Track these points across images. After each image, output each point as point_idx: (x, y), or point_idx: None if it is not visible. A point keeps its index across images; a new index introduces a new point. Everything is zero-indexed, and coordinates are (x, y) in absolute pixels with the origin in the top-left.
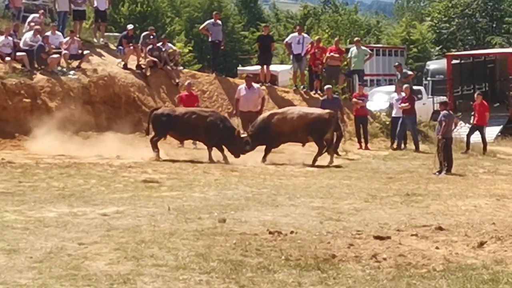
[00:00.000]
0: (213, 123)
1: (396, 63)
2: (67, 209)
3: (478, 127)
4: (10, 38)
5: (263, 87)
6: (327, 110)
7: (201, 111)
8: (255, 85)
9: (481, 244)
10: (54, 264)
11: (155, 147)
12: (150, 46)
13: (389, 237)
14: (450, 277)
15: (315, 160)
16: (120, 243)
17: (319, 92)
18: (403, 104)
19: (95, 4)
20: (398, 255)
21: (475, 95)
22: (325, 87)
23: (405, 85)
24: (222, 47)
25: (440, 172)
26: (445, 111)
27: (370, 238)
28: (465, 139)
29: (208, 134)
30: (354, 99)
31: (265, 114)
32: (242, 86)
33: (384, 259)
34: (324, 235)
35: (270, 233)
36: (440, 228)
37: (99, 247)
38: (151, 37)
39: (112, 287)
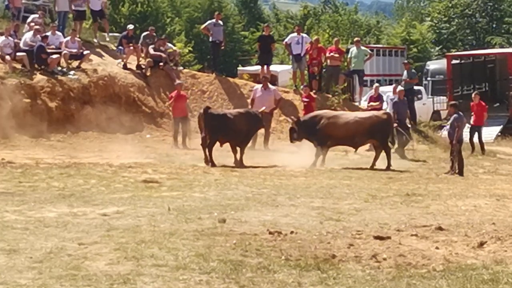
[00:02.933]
0: None
1: (405, 61)
2: (67, 209)
3: (476, 127)
4: (10, 38)
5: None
6: (383, 111)
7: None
8: (272, 87)
9: (481, 244)
10: (54, 264)
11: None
12: (152, 46)
13: (389, 237)
14: (450, 277)
15: (388, 165)
16: (120, 243)
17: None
18: (372, 103)
19: (90, 5)
20: (398, 255)
21: (473, 95)
22: (397, 89)
23: (376, 84)
24: (222, 47)
25: (452, 174)
26: (455, 114)
27: (370, 238)
28: (466, 140)
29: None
30: (370, 103)
31: (318, 112)
32: (258, 87)
33: (384, 259)
34: (324, 235)
35: (270, 233)
36: (440, 228)
37: (99, 247)
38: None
39: (112, 287)
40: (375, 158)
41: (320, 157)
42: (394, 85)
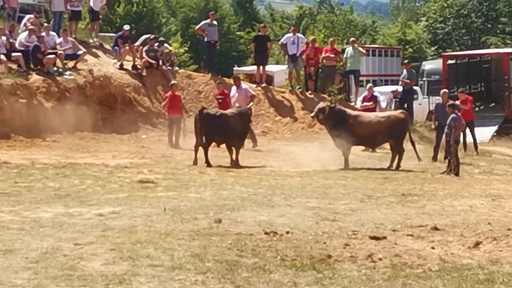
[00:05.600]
0: None
1: (406, 61)
2: (62, 210)
3: (467, 123)
4: (3, 38)
5: (259, 88)
6: (400, 110)
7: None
8: (244, 85)
9: (477, 244)
10: (49, 265)
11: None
12: (147, 47)
13: (384, 237)
14: (446, 277)
15: (398, 165)
16: (116, 244)
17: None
18: (366, 103)
19: (91, 4)
20: (393, 255)
21: (458, 92)
22: (441, 91)
23: (369, 84)
24: (218, 47)
25: (448, 174)
26: (454, 115)
27: (365, 238)
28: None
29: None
30: (364, 104)
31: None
32: (234, 86)
33: (380, 259)
34: (320, 235)
35: (265, 233)
36: (436, 228)
37: (95, 247)
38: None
39: (108, 287)
40: (392, 159)
41: (348, 156)
42: (395, 89)
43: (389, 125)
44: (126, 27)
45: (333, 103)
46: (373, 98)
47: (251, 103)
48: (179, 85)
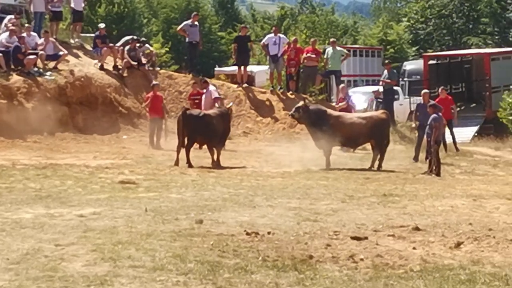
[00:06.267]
0: None
1: (386, 61)
2: (43, 210)
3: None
4: None
5: (240, 88)
6: (382, 111)
7: None
8: (211, 87)
9: (458, 245)
10: (31, 266)
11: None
12: (128, 47)
13: (366, 238)
14: (427, 277)
15: (380, 165)
16: (97, 244)
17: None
18: (340, 104)
19: (72, 4)
20: (375, 255)
21: (439, 89)
22: (422, 92)
23: (341, 85)
24: (200, 48)
25: (430, 174)
26: (435, 115)
27: (347, 239)
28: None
29: None
30: (338, 105)
31: (320, 107)
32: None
33: (361, 259)
34: (301, 235)
35: (247, 234)
36: (417, 229)
37: (76, 248)
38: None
39: None
40: (374, 159)
41: (329, 157)
42: (376, 89)
43: (371, 125)
44: (101, 25)
45: (308, 102)
46: (345, 99)
47: (231, 103)
48: (160, 85)
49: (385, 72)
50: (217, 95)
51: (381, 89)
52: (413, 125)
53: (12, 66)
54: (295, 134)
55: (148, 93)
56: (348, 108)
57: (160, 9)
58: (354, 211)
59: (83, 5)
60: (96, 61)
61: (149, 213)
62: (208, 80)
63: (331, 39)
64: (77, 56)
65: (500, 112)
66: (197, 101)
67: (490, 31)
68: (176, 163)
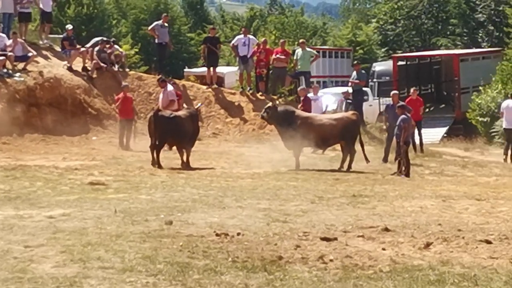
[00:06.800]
0: None
1: (355, 62)
2: (13, 212)
3: (415, 123)
4: None
5: (209, 89)
6: (352, 112)
7: None
8: (169, 88)
9: (427, 245)
10: (0, 267)
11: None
12: (97, 48)
13: (335, 239)
14: (397, 278)
15: (349, 166)
16: (66, 246)
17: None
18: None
19: (41, 5)
20: (344, 256)
21: (411, 90)
22: (392, 93)
23: (300, 88)
24: (171, 49)
25: (399, 175)
26: (403, 116)
27: (316, 240)
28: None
29: None
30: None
31: (289, 108)
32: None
33: (331, 260)
34: (271, 236)
35: (217, 235)
36: (387, 229)
37: (45, 249)
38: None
39: None
40: (343, 160)
41: (298, 158)
42: (346, 90)
43: (341, 126)
44: (69, 26)
45: (277, 103)
46: (306, 101)
47: (199, 104)
48: (129, 86)
49: (354, 73)
50: (173, 98)
51: (350, 90)
52: (383, 127)
53: None
54: (265, 135)
55: (118, 95)
56: (307, 108)
57: (130, 10)
58: (324, 212)
59: (52, 6)
60: (65, 62)
61: (119, 214)
62: (166, 80)
63: (301, 40)
64: (46, 57)
65: (469, 113)
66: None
67: (459, 32)
68: (153, 163)
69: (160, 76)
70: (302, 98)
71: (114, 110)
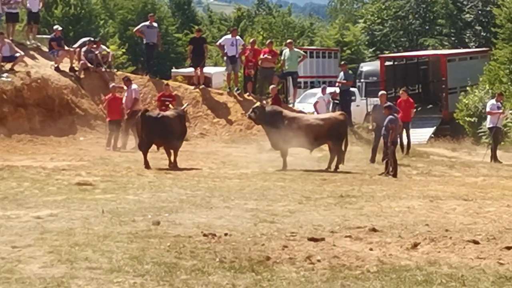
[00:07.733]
0: None
1: (342, 62)
2: (0, 212)
3: (403, 124)
4: None
5: (197, 90)
6: (339, 112)
7: None
8: (133, 86)
9: (415, 245)
10: None
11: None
12: (85, 48)
13: (323, 239)
14: (384, 278)
15: (337, 167)
16: (54, 246)
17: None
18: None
19: (28, 6)
20: (332, 256)
21: (400, 91)
22: (379, 93)
23: (272, 86)
24: (160, 49)
25: (386, 175)
26: (390, 116)
27: (304, 240)
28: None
29: None
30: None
31: (277, 108)
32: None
33: (318, 260)
34: (258, 237)
35: (204, 235)
36: (374, 230)
37: (33, 250)
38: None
39: None
40: (331, 160)
41: (286, 158)
42: (322, 86)
43: (328, 127)
44: (57, 27)
45: (264, 103)
46: (276, 99)
47: (186, 104)
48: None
49: (341, 73)
50: (137, 96)
51: (337, 90)
52: (370, 127)
53: None
54: (252, 136)
55: (106, 95)
56: (278, 101)
57: (117, 10)
58: (311, 212)
59: (39, 6)
60: (52, 62)
61: (106, 214)
62: (131, 78)
63: (288, 41)
64: (33, 58)
65: (456, 113)
66: (167, 102)
67: (446, 32)
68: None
69: (125, 76)
70: (272, 97)
71: (101, 111)
